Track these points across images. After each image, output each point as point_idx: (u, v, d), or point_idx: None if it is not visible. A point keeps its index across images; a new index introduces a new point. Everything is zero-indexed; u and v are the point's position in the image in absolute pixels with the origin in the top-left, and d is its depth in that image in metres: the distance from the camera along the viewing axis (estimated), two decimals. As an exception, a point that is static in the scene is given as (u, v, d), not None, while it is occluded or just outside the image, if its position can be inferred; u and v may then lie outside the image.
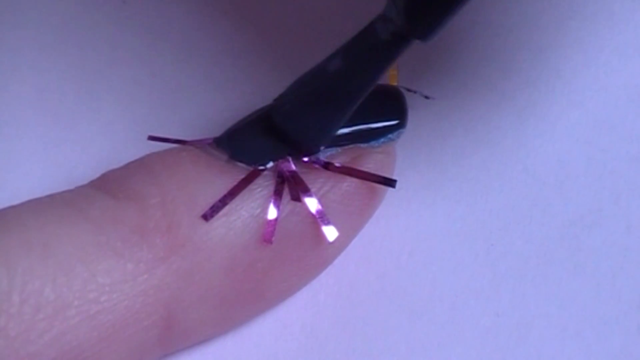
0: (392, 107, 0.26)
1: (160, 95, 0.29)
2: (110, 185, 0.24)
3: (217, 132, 0.29)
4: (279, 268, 0.25)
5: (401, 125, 0.26)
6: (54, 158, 0.29)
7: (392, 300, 0.27)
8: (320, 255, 0.26)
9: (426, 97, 0.28)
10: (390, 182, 0.26)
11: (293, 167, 0.25)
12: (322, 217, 0.25)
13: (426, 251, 0.28)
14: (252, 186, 0.24)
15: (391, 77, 0.28)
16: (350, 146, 0.26)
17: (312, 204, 0.25)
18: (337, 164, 0.25)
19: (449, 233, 0.28)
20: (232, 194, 0.24)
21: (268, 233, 0.24)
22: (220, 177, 0.24)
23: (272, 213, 0.24)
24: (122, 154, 0.29)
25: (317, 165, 0.25)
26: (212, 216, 0.24)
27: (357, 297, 0.28)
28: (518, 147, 0.29)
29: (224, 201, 0.24)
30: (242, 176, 0.24)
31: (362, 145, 0.26)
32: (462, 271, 0.28)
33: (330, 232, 0.25)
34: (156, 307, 0.23)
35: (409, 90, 0.27)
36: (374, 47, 0.23)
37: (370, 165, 0.26)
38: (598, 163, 0.29)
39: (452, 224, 0.28)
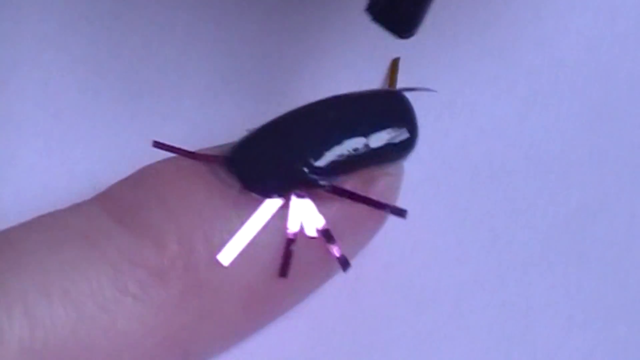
0: (403, 125, 0.26)
1: (163, 92, 0.29)
2: (124, 214, 0.24)
3: (220, 130, 0.29)
4: (294, 294, 0.26)
5: (412, 147, 0.26)
6: (56, 154, 0.29)
7: (398, 292, 0.27)
8: (331, 276, 0.26)
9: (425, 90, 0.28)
10: (401, 213, 0.25)
11: (306, 196, 0.25)
12: (336, 248, 0.25)
13: (431, 243, 0.28)
14: (267, 219, 0.24)
15: (391, 79, 0.28)
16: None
17: (326, 235, 0.25)
18: (347, 190, 0.25)
19: (453, 224, 0.28)
20: (248, 231, 0.24)
21: (284, 267, 0.24)
22: (235, 210, 0.24)
23: (287, 247, 0.24)
24: (124, 151, 0.29)
25: (328, 193, 0.25)
26: (228, 257, 0.24)
27: (362, 289, 0.28)
28: (521, 137, 0.29)
29: (239, 239, 0.24)
30: (257, 209, 0.24)
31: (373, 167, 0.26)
32: (467, 262, 0.28)
33: (344, 263, 0.25)
34: (174, 349, 0.23)
35: (410, 89, 0.27)
36: None
37: (379, 188, 0.25)
38: (602, 151, 0.29)
39: (456, 215, 0.28)
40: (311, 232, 0.25)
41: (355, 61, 0.30)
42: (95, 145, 0.29)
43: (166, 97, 0.29)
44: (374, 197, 0.25)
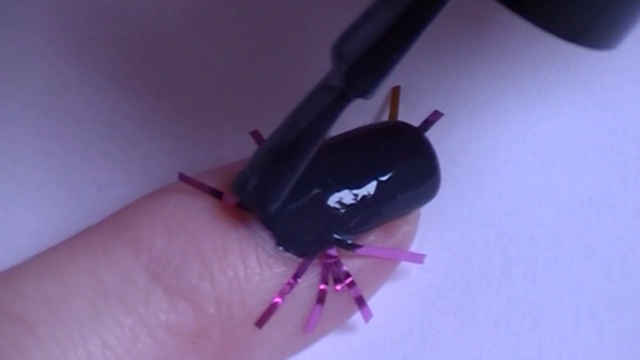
0: (425, 178, 0.26)
1: (165, 90, 0.29)
2: (162, 271, 0.24)
3: (222, 128, 0.29)
4: (314, 340, 0.27)
5: (433, 196, 0.26)
6: (59, 153, 0.29)
7: (405, 288, 0.27)
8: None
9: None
10: (420, 259, 0.26)
11: (336, 254, 0.25)
12: (360, 302, 0.25)
13: (436, 238, 0.28)
14: (300, 280, 0.25)
15: (392, 109, 0.28)
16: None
17: (353, 290, 0.25)
18: (372, 248, 0.25)
19: (458, 219, 0.28)
20: (282, 295, 0.24)
21: (312, 324, 0.25)
22: (270, 274, 0.24)
23: (317, 306, 0.25)
24: (127, 150, 0.29)
25: (353, 250, 0.25)
26: (265, 322, 0.24)
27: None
28: (525, 131, 0.29)
29: (275, 305, 0.24)
30: (292, 271, 0.24)
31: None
32: (473, 257, 0.28)
33: (367, 314, 0.25)
34: None
35: (428, 124, 0.26)
36: (321, 114, 0.23)
37: (399, 238, 0.26)
38: (605, 145, 0.29)
39: (461, 210, 0.28)
40: (339, 287, 0.25)
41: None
42: (98, 143, 0.29)
43: (169, 95, 0.29)
44: (394, 245, 0.26)
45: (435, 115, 0.27)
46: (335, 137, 0.26)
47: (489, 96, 0.29)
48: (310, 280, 0.25)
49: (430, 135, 0.26)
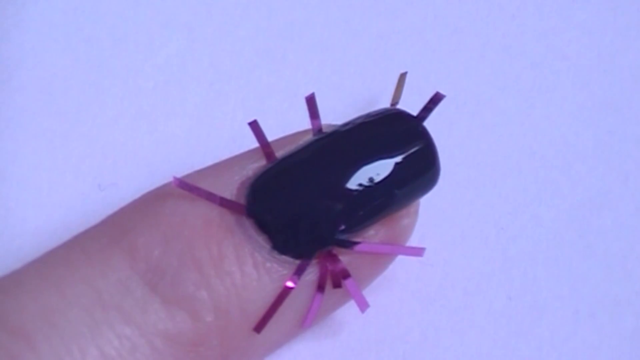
0: (424, 169, 0.25)
1: (166, 89, 0.29)
2: (158, 281, 0.24)
3: (221, 128, 0.29)
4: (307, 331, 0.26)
5: (432, 187, 0.26)
6: (59, 152, 0.29)
7: (405, 286, 0.27)
8: None
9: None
10: (419, 252, 0.25)
11: (334, 253, 0.24)
12: (358, 297, 0.25)
13: (436, 237, 0.28)
14: (298, 282, 0.24)
15: (395, 93, 0.28)
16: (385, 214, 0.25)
17: (351, 286, 0.25)
18: (371, 244, 0.25)
19: (458, 218, 0.28)
20: (280, 300, 0.24)
21: (309, 320, 0.25)
22: (268, 278, 0.24)
23: (315, 304, 0.24)
24: (127, 149, 0.29)
25: (352, 248, 0.25)
26: (263, 327, 0.24)
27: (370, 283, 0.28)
28: (525, 130, 0.29)
29: (273, 309, 0.24)
30: (290, 274, 0.24)
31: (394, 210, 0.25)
32: (473, 255, 0.28)
33: (363, 305, 0.25)
34: None
35: (427, 111, 0.25)
36: None
37: (398, 230, 0.25)
38: (605, 144, 0.29)
39: (461, 209, 0.28)
40: (337, 284, 0.25)
41: (358, 58, 0.30)
42: (98, 143, 0.29)
43: (168, 94, 0.29)
44: (394, 238, 0.25)
45: (437, 97, 0.25)
46: (332, 130, 0.25)
47: (490, 96, 0.29)
48: (307, 280, 0.24)
49: (431, 133, 0.26)
